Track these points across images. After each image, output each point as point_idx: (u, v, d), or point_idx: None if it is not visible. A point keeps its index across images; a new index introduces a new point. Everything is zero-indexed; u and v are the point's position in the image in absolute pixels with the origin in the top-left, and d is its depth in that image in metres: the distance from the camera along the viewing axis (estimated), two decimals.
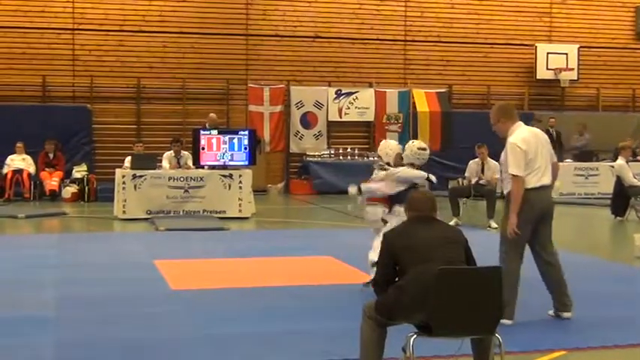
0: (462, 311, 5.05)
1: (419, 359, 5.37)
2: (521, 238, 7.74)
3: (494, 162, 16.61)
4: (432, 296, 5.00)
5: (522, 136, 7.88)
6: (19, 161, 20.38)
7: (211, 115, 20.41)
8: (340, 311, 8.26)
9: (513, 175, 7.72)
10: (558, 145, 22.88)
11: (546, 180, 7.88)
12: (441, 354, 6.00)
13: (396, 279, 5.36)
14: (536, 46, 25.28)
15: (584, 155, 23.10)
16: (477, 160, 16.49)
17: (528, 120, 23.68)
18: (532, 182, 7.77)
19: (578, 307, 8.48)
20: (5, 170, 20.16)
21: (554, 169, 8.08)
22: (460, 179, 17.23)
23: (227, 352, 6.74)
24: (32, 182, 20.25)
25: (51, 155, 20.78)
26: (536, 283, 8.09)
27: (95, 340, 7.05)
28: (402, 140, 23.69)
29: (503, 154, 7.99)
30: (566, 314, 7.91)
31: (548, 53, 25.32)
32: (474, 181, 16.34)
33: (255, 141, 17.91)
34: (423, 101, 23.87)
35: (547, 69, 25.31)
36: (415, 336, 5.19)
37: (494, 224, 15.21)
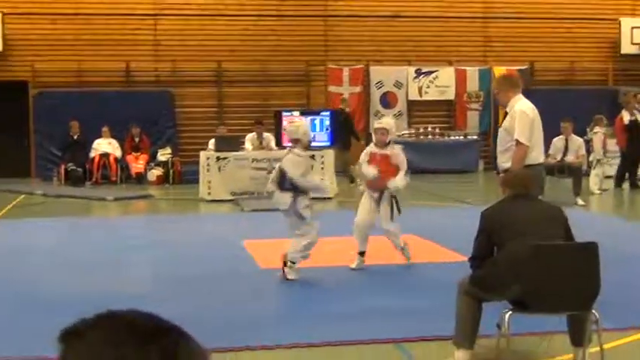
0: (557, 287, 5.05)
1: (514, 336, 5.38)
2: None
3: (578, 138, 16.40)
4: (526, 271, 5.00)
5: (529, 106, 7.87)
6: (106, 145, 20.82)
7: (343, 96, 20.77)
8: (427, 289, 8.30)
9: (519, 143, 7.64)
10: None
11: (542, 157, 7.86)
12: (536, 330, 5.98)
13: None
14: (620, 21, 24.73)
15: None
16: (560, 137, 16.26)
17: (613, 96, 23.35)
18: (532, 157, 7.70)
19: None
20: (93, 154, 20.63)
21: None
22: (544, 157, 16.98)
23: (317, 328, 6.85)
24: (119, 165, 20.69)
25: (136, 139, 21.19)
26: (636, 261, 8.00)
27: (189, 316, 7.18)
28: (483, 118, 23.57)
29: (505, 122, 7.96)
30: None
31: (632, 27, 24.72)
32: (558, 158, 16.12)
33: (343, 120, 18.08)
34: None
35: (632, 43, 24.73)
36: (510, 312, 5.20)
37: (580, 201, 15.04)
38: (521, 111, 7.79)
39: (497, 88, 8.22)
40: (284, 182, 8.82)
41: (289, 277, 8.79)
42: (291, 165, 8.83)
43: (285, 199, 8.84)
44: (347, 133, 19.71)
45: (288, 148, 9.31)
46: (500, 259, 5.24)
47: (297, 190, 8.81)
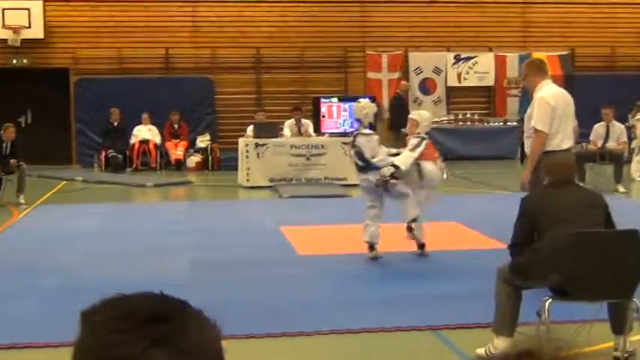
0: (598, 275, 5.01)
1: (554, 324, 5.34)
2: None
3: (619, 125, 16.21)
4: (567, 258, 4.96)
5: (552, 92, 7.78)
6: (146, 132, 20.95)
7: (403, 82, 22.18)
8: (467, 276, 8.28)
9: (537, 130, 7.59)
10: None
11: (569, 143, 7.72)
12: (576, 318, 5.93)
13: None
14: None
15: None
16: (602, 123, 16.09)
17: None
18: (554, 144, 7.60)
19: None
20: (133, 141, 20.78)
21: (574, 133, 7.95)
22: (584, 144, 16.83)
23: (356, 315, 6.86)
24: (158, 152, 20.82)
25: (176, 126, 21.30)
26: None
27: (227, 302, 7.26)
28: (523, 105, 23.35)
29: (529, 109, 7.93)
30: None
31: None
32: (599, 144, 15.95)
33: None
34: None
35: None
36: (550, 300, 5.16)
37: (621, 188, 14.89)
38: (541, 98, 7.73)
39: (525, 73, 8.19)
40: (369, 163, 9.13)
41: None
42: (367, 148, 9.17)
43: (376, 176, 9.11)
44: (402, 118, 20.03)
45: (355, 130, 9.65)
46: (540, 246, 5.21)
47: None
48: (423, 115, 10.05)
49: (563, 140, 7.70)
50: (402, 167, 9.09)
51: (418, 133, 9.44)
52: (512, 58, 23.60)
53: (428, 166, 9.36)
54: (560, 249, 4.98)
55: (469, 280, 8.02)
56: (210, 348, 1.30)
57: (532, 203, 5.40)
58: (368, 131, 9.34)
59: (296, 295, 7.64)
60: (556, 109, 7.66)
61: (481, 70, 23.61)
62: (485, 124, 23.02)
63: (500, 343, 5.47)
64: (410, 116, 9.85)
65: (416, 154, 9.24)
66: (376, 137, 9.39)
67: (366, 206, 9.39)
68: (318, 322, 6.69)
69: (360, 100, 10.15)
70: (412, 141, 9.41)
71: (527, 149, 8.07)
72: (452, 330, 6.43)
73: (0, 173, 14.26)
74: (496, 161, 21.09)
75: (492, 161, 21.04)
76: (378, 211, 9.30)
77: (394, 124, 19.90)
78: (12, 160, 14.39)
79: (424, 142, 9.32)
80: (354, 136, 9.43)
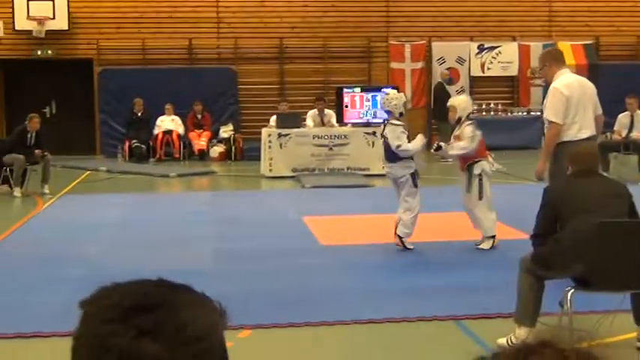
0: (621, 265, 4.99)
1: (576, 314, 5.33)
2: None
3: None
4: (590, 248, 4.94)
5: (566, 82, 7.66)
6: (169, 122, 21.02)
7: (444, 71, 22.25)
8: (490, 266, 8.26)
9: (549, 121, 7.52)
10: None
11: (587, 132, 7.59)
12: (598, 309, 5.91)
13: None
14: None
15: None
16: (626, 112, 15.99)
17: None
18: (571, 134, 7.51)
19: None
20: (156, 131, 20.85)
21: (598, 121, 7.81)
22: (609, 133, 16.72)
23: (378, 305, 6.87)
24: (181, 142, 20.89)
25: (199, 116, 21.35)
26: None
27: (251, 292, 7.30)
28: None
29: (545, 100, 7.88)
30: None
31: None
32: (623, 134, 15.85)
33: None
34: (568, 54, 23.12)
35: None
36: (573, 290, 5.15)
37: None
38: (554, 88, 7.66)
39: (541, 64, 8.12)
40: (395, 153, 9.23)
41: (409, 247, 9.17)
42: (391, 135, 9.24)
43: (399, 170, 9.33)
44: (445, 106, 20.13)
45: (386, 120, 9.67)
46: (563, 236, 5.19)
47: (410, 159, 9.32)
48: (459, 99, 10.11)
49: (581, 130, 7.61)
50: (452, 153, 9.43)
51: (460, 118, 9.41)
52: (536, 47, 23.39)
53: (485, 166, 9.48)
54: (584, 239, 4.96)
55: (491, 270, 8.01)
56: (207, 337, 1.27)
57: (555, 193, 5.38)
58: (396, 122, 9.33)
59: (318, 285, 7.67)
60: (571, 99, 7.58)
61: (505, 59, 23.48)
62: (509, 113, 22.91)
63: (522, 334, 5.47)
64: (447, 104, 9.89)
65: (473, 145, 9.23)
66: (401, 128, 9.37)
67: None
68: (340, 311, 6.71)
69: (387, 91, 10.16)
70: (467, 130, 9.28)
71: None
72: (474, 320, 6.42)
73: (25, 163, 14.38)
74: (519, 151, 20.99)
75: (516, 151, 20.94)
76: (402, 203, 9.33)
77: (437, 113, 20.22)
78: (37, 151, 14.51)
79: (477, 138, 9.28)
80: (384, 126, 9.48)
